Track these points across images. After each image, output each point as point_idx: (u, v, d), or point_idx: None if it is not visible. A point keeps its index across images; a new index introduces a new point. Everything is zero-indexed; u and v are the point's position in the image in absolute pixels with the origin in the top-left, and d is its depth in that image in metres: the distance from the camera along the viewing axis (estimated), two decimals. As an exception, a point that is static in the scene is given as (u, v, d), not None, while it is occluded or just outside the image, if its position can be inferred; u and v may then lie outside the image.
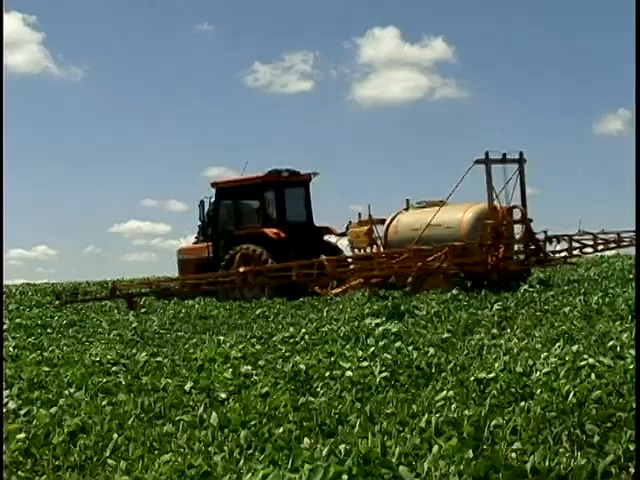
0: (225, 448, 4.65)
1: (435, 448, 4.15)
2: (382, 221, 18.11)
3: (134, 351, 8.95)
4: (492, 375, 6.14)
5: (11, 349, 9.54)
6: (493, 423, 4.62)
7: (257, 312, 13.23)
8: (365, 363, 7.23)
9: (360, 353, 7.93)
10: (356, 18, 56.40)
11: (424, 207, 17.50)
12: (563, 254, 18.14)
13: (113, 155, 53.24)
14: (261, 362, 7.76)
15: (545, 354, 6.76)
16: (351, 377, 6.72)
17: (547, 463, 3.92)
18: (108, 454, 4.76)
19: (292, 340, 9.25)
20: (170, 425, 5.34)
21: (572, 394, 5.16)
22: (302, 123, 56.90)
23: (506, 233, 16.20)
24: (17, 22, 58.89)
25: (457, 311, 11.28)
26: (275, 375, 7.04)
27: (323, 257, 18.09)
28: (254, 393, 6.37)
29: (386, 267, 16.87)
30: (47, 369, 7.79)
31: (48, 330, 12.20)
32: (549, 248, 17.49)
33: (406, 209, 17.86)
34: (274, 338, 9.51)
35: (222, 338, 10.11)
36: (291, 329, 10.31)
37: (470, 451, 4.06)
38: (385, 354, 7.63)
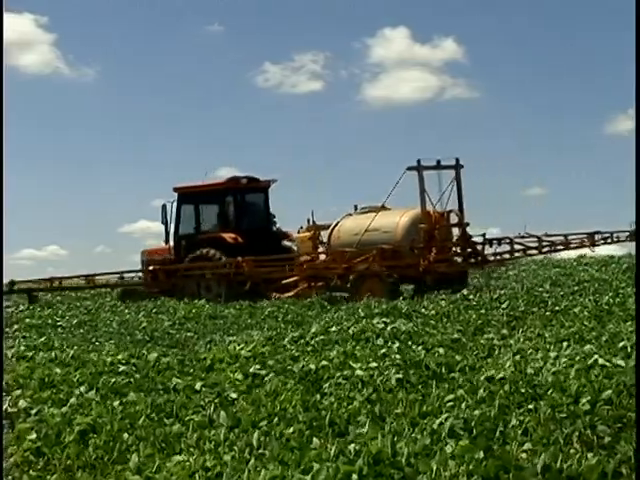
0: (235, 448, 4.66)
1: (446, 448, 4.14)
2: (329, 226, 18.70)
3: (144, 351, 8.94)
4: (502, 375, 6.13)
5: (22, 348, 9.56)
6: (504, 423, 4.61)
7: (266, 312, 13.24)
8: (374, 363, 7.22)
9: (369, 353, 7.93)
10: (366, 18, 56.37)
11: (367, 212, 17.97)
12: (506, 256, 18.76)
13: (123, 155, 53.33)
14: (271, 362, 7.75)
15: (555, 354, 6.74)
16: (361, 377, 6.71)
17: (558, 464, 3.91)
18: (119, 454, 4.77)
19: (302, 340, 9.24)
20: (180, 425, 5.35)
21: (583, 395, 5.15)
22: (312, 123, 56.94)
23: (439, 237, 16.86)
24: (29, 23, 59.04)
25: (467, 311, 11.26)
26: (285, 375, 7.04)
27: (239, 258, 18.62)
28: (264, 393, 6.38)
29: (308, 269, 17.77)
30: (58, 369, 7.80)
31: (59, 330, 12.23)
32: (490, 250, 17.95)
33: (350, 214, 18.43)
34: (284, 338, 9.50)
35: (232, 338, 10.14)
36: (300, 329, 10.32)
37: (481, 451, 4.06)
38: (395, 354, 7.62)
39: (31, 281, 20.71)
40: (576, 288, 13.70)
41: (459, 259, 17.59)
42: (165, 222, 20.64)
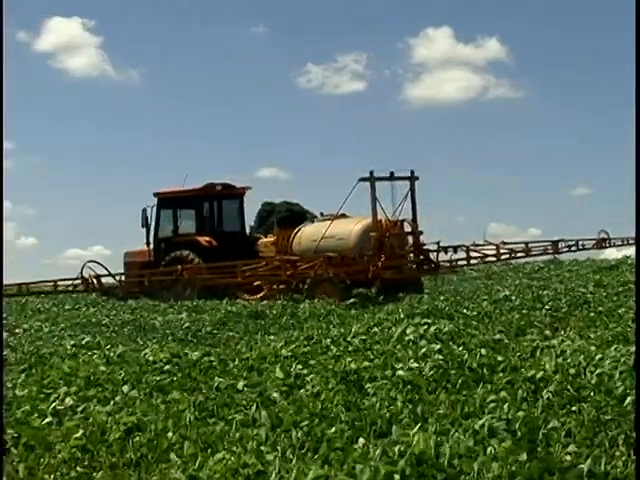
0: (278, 448, 4.67)
1: (489, 449, 4.11)
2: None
3: (187, 350, 9.00)
4: (545, 376, 6.07)
5: (68, 347, 9.69)
6: (547, 425, 4.56)
7: (308, 312, 13.25)
8: (416, 364, 7.19)
9: (411, 354, 7.90)
10: (410, 18, 56.25)
11: (328, 220, 18.77)
12: (461, 262, 19.84)
13: (168, 156, 53.93)
14: (312, 362, 7.76)
15: (600, 356, 6.66)
16: (402, 377, 6.69)
17: (603, 467, 3.85)
18: (162, 452, 4.80)
19: (343, 340, 9.24)
20: (223, 424, 5.37)
21: (628, 396, 5.07)
22: (354, 123, 56.96)
23: (389, 245, 17.52)
24: (77, 27, 60.03)
25: (509, 312, 11.17)
26: (326, 375, 7.03)
27: (178, 267, 19.66)
28: (305, 393, 6.38)
29: (251, 275, 18.66)
30: (103, 368, 7.88)
31: (103, 329, 12.36)
32: (445, 257, 18.90)
33: (312, 221, 19.60)
34: (325, 338, 9.50)
35: (273, 338, 10.17)
36: (342, 329, 10.31)
37: (524, 453, 4.02)
38: (436, 355, 7.58)
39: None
40: (620, 289, 13.52)
41: (413, 266, 18.37)
42: (146, 225, 21.44)
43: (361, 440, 4.76)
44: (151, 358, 8.33)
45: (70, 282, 19.50)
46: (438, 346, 8.14)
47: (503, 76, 60.90)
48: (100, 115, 57.29)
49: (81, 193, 54.12)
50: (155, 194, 21.84)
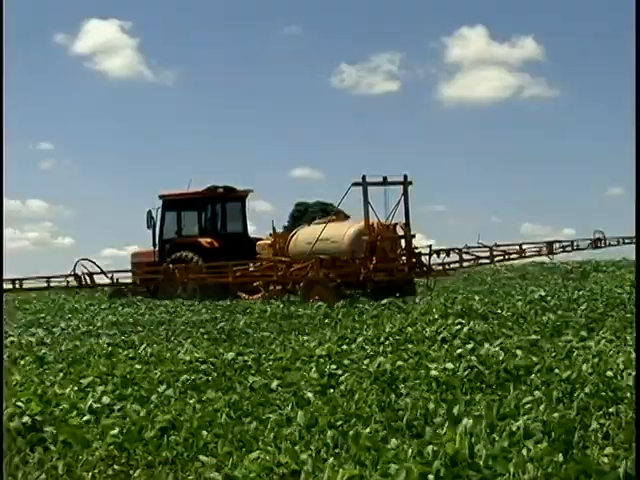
0: (312, 447, 4.67)
1: (524, 451, 4.08)
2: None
3: (221, 350, 9.05)
4: (581, 377, 6.01)
5: (105, 346, 9.78)
6: (583, 427, 4.52)
7: (341, 312, 13.25)
8: (450, 364, 7.15)
9: (445, 354, 7.87)
10: (444, 17, 56.01)
11: (322, 222, 19.29)
12: (454, 265, 20.19)
13: (202, 156, 54.23)
14: (346, 362, 7.75)
15: (637, 356, 6.58)
16: (436, 377, 6.66)
17: (640, 469, 3.81)
18: (198, 451, 4.83)
19: (377, 340, 9.23)
20: (257, 423, 5.38)
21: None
22: (387, 123, 56.87)
23: (381, 248, 17.96)
24: (114, 29, 60.62)
25: (544, 312, 11.08)
26: (360, 375, 7.03)
27: (170, 265, 20.34)
28: (339, 392, 6.38)
29: (243, 276, 19.30)
30: (139, 366, 7.95)
31: (139, 328, 12.46)
32: (438, 260, 19.39)
33: (308, 224, 20.16)
34: (358, 338, 9.50)
35: (307, 337, 10.18)
36: (376, 329, 10.30)
37: (560, 455, 3.98)
38: (471, 355, 7.54)
39: None
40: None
41: (405, 269, 18.59)
42: (153, 227, 22.24)
43: (393, 440, 4.75)
44: (186, 357, 8.38)
45: (63, 278, 19.73)
46: (472, 346, 8.12)
47: (538, 75, 60.34)
48: (136, 117, 57.82)
49: (116, 193, 54.64)
50: (160, 196, 22.58)
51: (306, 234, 19.23)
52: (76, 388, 6.94)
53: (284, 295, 18.27)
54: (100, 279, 21.09)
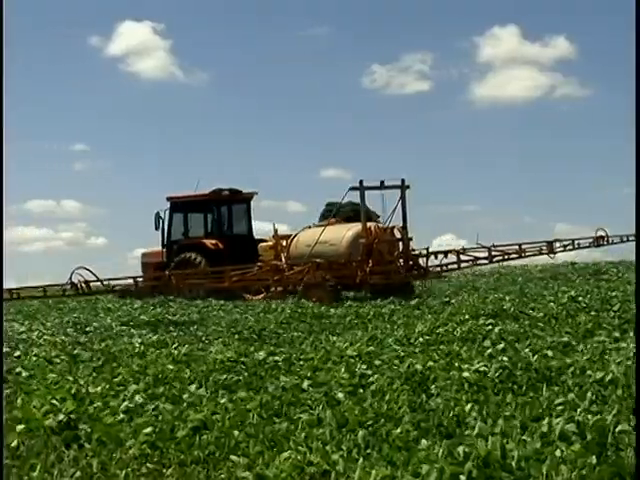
0: (343, 447, 4.66)
1: (557, 452, 4.04)
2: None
3: (252, 349, 9.07)
4: (614, 379, 5.95)
5: (137, 345, 9.85)
6: (617, 429, 4.47)
7: (372, 312, 13.23)
8: (481, 365, 7.11)
9: (476, 354, 7.83)
10: (476, 17, 55.74)
11: (322, 225, 19.74)
12: (452, 267, 20.71)
13: (234, 156, 54.44)
14: (377, 362, 7.74)
15: (670, 358, 6.50)
16: (468, 378, 6.63)
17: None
18: (229, 450, 4.84)
19: (407, 340, 9.20)
20: (288, 423, 5.39)
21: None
22: (419, 123, 56.73)
23: (377, 250, 18.39)
24: (147, 30, 61.13)
25: (576, 313, 10.99)
26: (391, 375, 7.01)
27: (166, 272, 20.76)
28: (370, 393, 6.37)
29: (239, 280, 19.57)
30: (171, 366, 7.98)
31: (170, 328, 12.52)
32: (436, 262, 19.87)
33: (309, 227, 20.23)
34: (389, 338, 9.48)
35: (338, 338, 10.17)
36: (406, 329, 10.27)
37: (593, 456, 3.95)
38: (502, 356, 7.50)
39: None
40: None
41: (402, 271, 18.98)
42: (162, 228, 22.69)
43: (424, 441, 4.73)
44: (217, 357, 8.42)
45: (60, 287, 19.86)
46: (503, 347, 8.07)
47: (571, 75, 59.76)
48: (167, 117, 58.19)
49: (149, 194, 54.97)
50: (168, 198, 23.01)
51: (306, 237, 19.57)
52: (109, 387, 6.99)
53: (285, 296, 18.47)
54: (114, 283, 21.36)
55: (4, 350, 9.58)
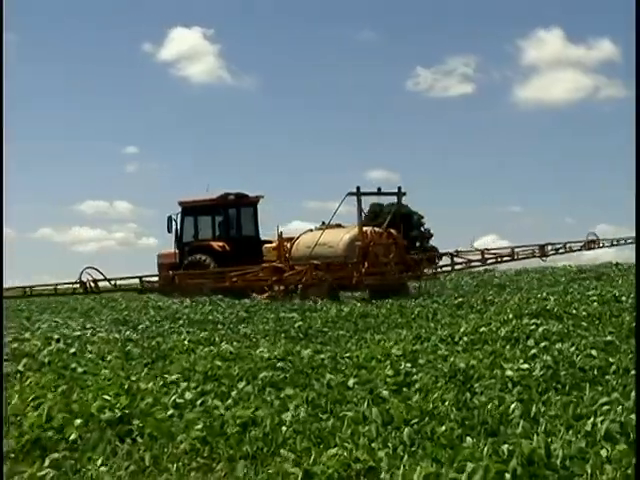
0: (389, 444, 4.66)
1: (602, 452, 4.00)
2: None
3: (298, 348, 9.10)
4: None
5: (186, 343, 9.93)
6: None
7: (416, 311, 13.19)
8: (525, 364, 7.06)
9: (520, 354, 7.77)
10: (519, 20, 55.32)
11: (323, 229, 20.20)
12: (447, 268, 21.80)
13: (280, 158, 54.75)
14: (421, 361, 7.72)
15: None
16: (511, 377, 6.58)
17: None
18: (277, 446, 4.87)
19: (451, 339, 9.16)
20: (335, 420, 5.40)
21: None
22: (463, 125, 56.44)
23: (373, 253, 19.10)
24: (197, 36, 61.93)
25: (620, 313, 10.83)
26: (435, 374, 6.99)
27: (171, 272, 21.31)
28: (415, 391, 6.35)
29: (238, 280, 20.04)
30: (219, 363, 8.04)
31: (219, 326, 12.61)
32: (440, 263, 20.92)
33: (311, 230, 20.82)
34: (433, 337, 9.44)
35: (382, 337, 10.16)
36: (450, 329, 10.22)
37: (638, 456, 3.89)
38: (545, 355, 7.43)
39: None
40: None
41: (396, 272, 19.54)
42: (175, 231, 23.61)
43: (468, 439, 4.71)
44: (264, 355, 8.46)
45: (70, 285, 20.21)
46: (547, 346, 8.00)
47: (615, 77, 58.94)
48: (216, 120, 58.75)
49: (196, 194, 55.41)
50: (179, 202, 23.89)
51: (307, 239, 20.19)
52: (160, 383, 7.07)
53: (287, 295, 19.09)
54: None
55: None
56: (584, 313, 10.99)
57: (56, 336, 10.92)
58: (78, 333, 11.51)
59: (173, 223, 23.66)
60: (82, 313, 16.10)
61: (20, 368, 8.25)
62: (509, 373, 6.69)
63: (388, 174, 56.73)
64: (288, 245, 20.52)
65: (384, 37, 57.77)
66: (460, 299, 15.31)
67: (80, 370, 8.04)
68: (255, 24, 60.58)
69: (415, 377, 6.89)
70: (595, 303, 12.17)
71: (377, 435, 4.94)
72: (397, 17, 58.54)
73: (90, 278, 19.42)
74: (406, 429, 4.95)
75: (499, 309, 12.39)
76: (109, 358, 8.91)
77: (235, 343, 9.92)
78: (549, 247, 22.47)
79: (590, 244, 23.00)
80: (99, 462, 4.76)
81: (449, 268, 21.83)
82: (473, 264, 22.16)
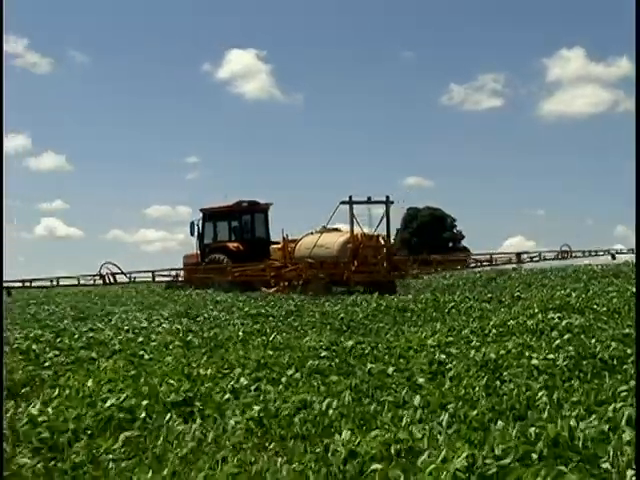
0: (426, 427, 4.66)
1: (623, 435, 3.95)
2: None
3: (342, 339, 9.11)
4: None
5: (241, 334, 10.00)
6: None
7: (450, 306, 13.12)
8: (550, 354, 6.99)
9: (545, 345, 7.70)
10: (544, 40, 54.96)
11: (322, 232, 20.85)
12: (431, 270, 22.74)
13: (325, 170, 55.08)
14: (454, 351, 7.69)
15: None
16: (537, 366, 6.53)
17: None
18: (325, 428, 4.89)
19: (482, 332, 9.10)
20: (376, 404, 5.41)
21: None
22: (492, 135, 56.19)
23: (362, 254, 19.97)
24: (251, 57, 62.70)
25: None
26: (467, 363, 6.96)
27: (180, 272, 22.34)
28: (449, 378, 6.33)
29: (239, 275, 21.14)
30: (270, 352, 8.09)
31: (270, 318, 12.67)
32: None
33: (312, 232, 21.39)
34: (465, 330, 9.39)
35: (419, 329, 10.13)
36: (481, 322, 10.15)
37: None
38: (569, 346, 7.35)
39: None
40: None
41: (382, 271, 20.31)
42: (197, 234, 24.71)
43: (499, 422, 4.69)
44: (311, 345, 8.48)
45: (90, 277, 20.68)
46: (570, 338, 7.91)
47: (632, 91, 58.03)
48: (268, 132, 59.40)
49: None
50: (201, 210, 25.16)
51: (307, 241, 20.97)
52: (218, 370, 7.13)
53: (290, 289, 19.69)
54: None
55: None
56: (604, 308, 10.85)
57: (126, 327, 11.08)
58: (145, 324, 11.65)
59: (195, 228, 24.81)
60: (148, 306, 16.28)
61: (94, 355, 8.38)
62: (535, 362, 6.64)
63: (423, 180, 56.66)
64: (292, 246, 21.31)
65: (421, 57, 57.88)
66: (490, 295, 15.19)
67: (147, 357, 8.15)
68: (303, 46, 61.13)
69: (449, 366, 6.87)
70: (614, 299, 12.00)
71: (415, 418, 4.94)
72: (432, 39, 58.61)
73: (108, 272, 20.00)
74: (442, 413, 4.94)
75: (526, 304, 12.27)
76: (172, 347, 9.00)
77: (285, 334, 9.97)
78: (525, 255, 23.68)
79: (563, 254, 23.98)
80: (164, 440, 4.82)
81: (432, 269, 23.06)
82: (458, 266, 23.86)
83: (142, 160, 61.06)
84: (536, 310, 10.84)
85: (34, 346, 8.91)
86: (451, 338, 8.63)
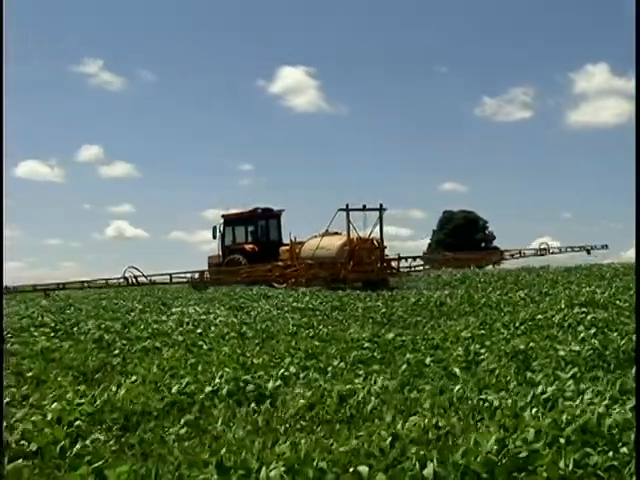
0: (461, 413, 4.61)
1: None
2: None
3: (383, 331, 9.07)
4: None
5: (290, 326, 10.02)
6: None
7: (482, 302, 12.96)
8: (576, 346, 6.86)
9: (571, 338, 7.56)
10: (571, 56, 54.51)
11: (324, 235, 21.47)
12: (418, 268, 23.47)
13: (367, 176, 55.09)
14: (487, 342, 7.60)
15: None
16: (564, 357, 6.42)
17: None
18: (368, 413, 4.87)
19: (512, 325, 8.98)
20: (415, 392, 5.37)
21: None
22: (522, 144, 55.81)
23: (358, 255, 20.71)
24: (301, 73, 63.75)
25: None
26: (498, 354, 6.87)
27: (196, 274, 22.47)
28: (482, 368, 6.26)
29: (249, 275, 21.67)
30: (317, 343, 8.08)
31: (317, 312, 12.66)
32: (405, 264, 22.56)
33: (316, 236, 21.85)
34: (497, 323, 9.28)
35: (454, 322, 10.03)
36: (511, 316, 10.01)
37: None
38: (593, 339, 7.21)
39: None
40: None
41: (376, 270, 21.05)
42: (220, 237, 25.60)
43: (529, 410, 4.60)
44: (355, 337, 8.46)
45: (116, 280, 21.09)
46: (594, 331, 7.76)
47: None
48: (317, 141, 60.19)
49: (300, 205, 56.46)
50: (222, 215, 26.04)
51: (311, 243, 21.61)
52: (269, 359, 7.14)
53: (297, 285, 20.16)
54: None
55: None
56: (626, 304, 10.62)
57: (186, 319, 11.18)
58: (203, 317, 11.73)
59: (217, 232, 25.66)
60: (206, 301, 16.41)
61: (158, 345, 8.48)
62: (562, 354, 6.53)
63: (458, 186, 56.29)
64: (298, 248, 21.90)
65: (456, 72, 57.66)
66: (520, 292, 14.97)
67: (205, 347, 8.21)
68: (348, 63, 61.59)
69: (482, 357, 6.79)
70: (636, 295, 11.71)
71: (451, 405, 4.89)
72: (466, 54, 58.46)
73: (132, 275, 20.47)
74: (475, 400, 4.88)
75: (553, 300, 12.07)
76: (228, 338, 9.06)
77: (330, 327, 9.95)
78: (506, 253, 24.70)
79: (542, 251, 24.93)
80: (222, 423, 4.85)
81: (421, 268, 23.85)
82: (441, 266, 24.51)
83: (201, 167, 62.18)
84: (563, 305, 10.65)
85: (106, 336, 9.06)
86: (483, 331, 8.53)
